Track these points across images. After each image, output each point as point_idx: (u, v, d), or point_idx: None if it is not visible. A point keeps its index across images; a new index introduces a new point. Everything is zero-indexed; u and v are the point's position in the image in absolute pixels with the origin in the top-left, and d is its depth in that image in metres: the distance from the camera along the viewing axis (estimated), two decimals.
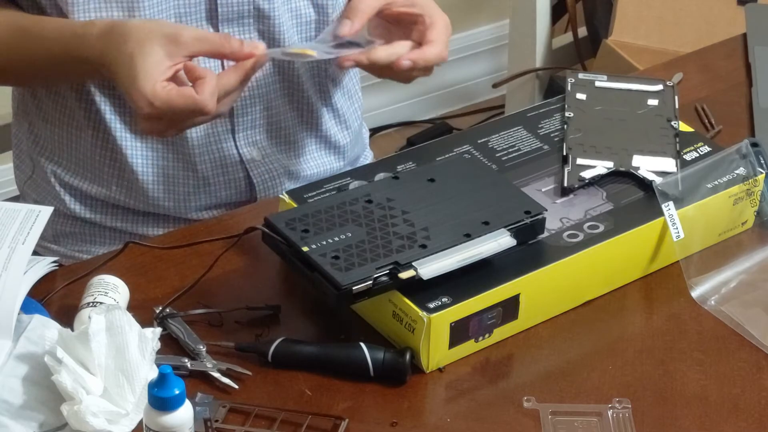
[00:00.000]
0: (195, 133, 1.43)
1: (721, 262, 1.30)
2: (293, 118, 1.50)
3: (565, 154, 1.36)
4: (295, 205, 1.26)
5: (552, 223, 1.25)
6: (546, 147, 1.39)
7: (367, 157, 1.66)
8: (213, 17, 1.39)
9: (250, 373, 1.15)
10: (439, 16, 1.34)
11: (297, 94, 1.49)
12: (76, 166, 1.47)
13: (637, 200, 1.30)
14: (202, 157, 1.45)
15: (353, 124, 1.57)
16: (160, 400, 1.00)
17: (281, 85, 1.47)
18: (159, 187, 1.45)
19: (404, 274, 1.15)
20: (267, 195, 1.49)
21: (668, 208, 1.27)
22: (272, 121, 1.48)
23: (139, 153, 1.44)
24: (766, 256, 1.33)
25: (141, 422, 1.06)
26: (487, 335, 1.20)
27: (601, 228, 1.26)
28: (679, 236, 1.27)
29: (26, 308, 1.18)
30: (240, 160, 1.47)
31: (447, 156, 1.36)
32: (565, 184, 1.32)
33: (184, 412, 1.01)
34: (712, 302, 1.26)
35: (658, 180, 1.30)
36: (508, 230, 1.21)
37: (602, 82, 1.48)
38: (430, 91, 3.08)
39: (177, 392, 1.00)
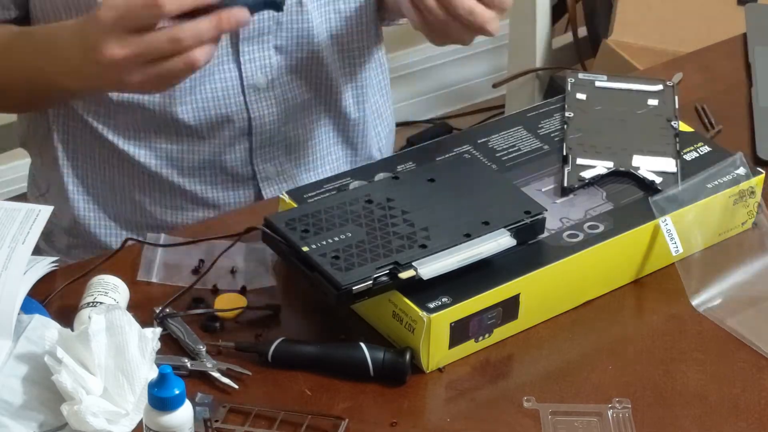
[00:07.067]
0: (208, 150, 1.42)
1: (720, 268, 1.29)
2: (314, 124, 1.47)
3: (565, 154, 1.36)
4: (295, 205, 1.26)
5: (552, 223, 1.25)
6: (546, 147, 1.39)
7: None
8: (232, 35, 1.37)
9: (250, 373, 1.15)
10: None
11: (326, 104, 1.46)
12: (100, 191, 1.47)
13: (637, 200, 1.30)
14: (214, 177, 1.44)
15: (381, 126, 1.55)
16: (160, 400, 1.00)
17: (302, 90, 1.44)
18: (165, 209, 1.45)
19: (404, 274, 1.15)
20: None
21: (665, 223, 1.26)
22: (291, 135, 1.45)
23: (146, 178, 1.43)
24: (766, 258, 1.32)
25: (141, 422, 1.06)
26: (487, 335, 1.20)
27: (601, 228, 1.26)
28: (678, 251, 1.25)
29: (26, 308, 1.18)
30: (252, 176, 1.46)
31: (447, 156, 1.35)
32: (565, 184, 1.32)
33: (184, 412, 1.01)
34: (712, 309, 1.25)
35: (656, 195, 1.28)
36: (508, 230, 1.21)
37: (602, 82, 1.48)
38: (430, 91, 3.08)
39: (177, 392, 1.00)
